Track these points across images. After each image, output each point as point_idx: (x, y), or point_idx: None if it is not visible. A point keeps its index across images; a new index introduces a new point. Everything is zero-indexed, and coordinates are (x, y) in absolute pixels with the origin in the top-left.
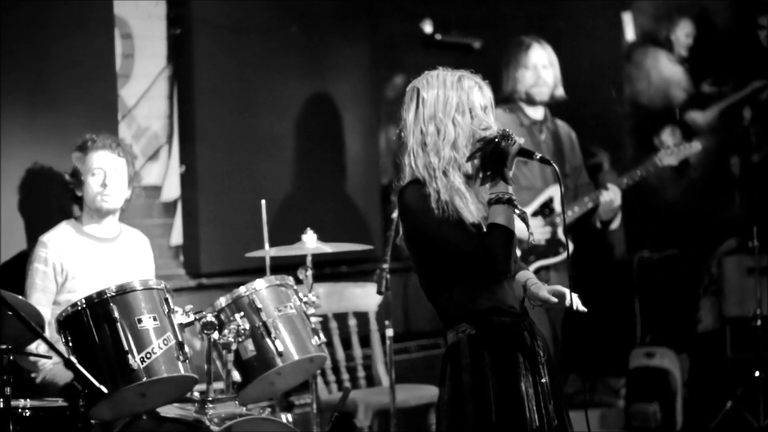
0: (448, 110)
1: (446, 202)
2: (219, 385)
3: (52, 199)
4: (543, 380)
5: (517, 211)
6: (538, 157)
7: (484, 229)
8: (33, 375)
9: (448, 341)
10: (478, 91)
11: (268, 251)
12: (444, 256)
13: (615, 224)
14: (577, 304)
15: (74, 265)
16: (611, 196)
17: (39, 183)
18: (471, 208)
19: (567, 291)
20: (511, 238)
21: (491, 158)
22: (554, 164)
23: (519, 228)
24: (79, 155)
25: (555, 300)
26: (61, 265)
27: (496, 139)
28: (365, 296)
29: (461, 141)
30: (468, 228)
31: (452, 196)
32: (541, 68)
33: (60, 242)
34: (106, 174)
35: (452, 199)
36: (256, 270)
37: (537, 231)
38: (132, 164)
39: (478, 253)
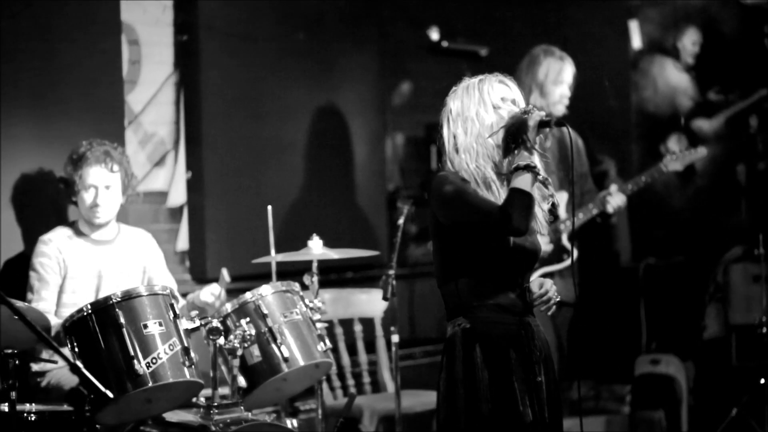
0: (472, 106)
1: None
2: (224, 390)
3: (57, 204)
4: (538, 379)
5: (539, 177)
6: (553, 122)
7: None
8: (38, 379)
9: (446, 334)
10: (499, 84)
11: (274, 257)
12: (462, 230)
13: (614, 218)
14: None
15: (73, 264)
16: (618, 200)
17: (44, 188)
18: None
19: (547, 281)
20: (530, 201)
21: (511, 129)
22: (567, 126)
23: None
24: (71, 169)
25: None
26: (63, 261)
27: (518, 113)
28: (371, 302)
29: (485, 131)
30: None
31: (483, 188)
32: (567, 86)
33: (60, 241)
34: (98, 191)
35: (483, 189)
36: (262, 276)
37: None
38: (126, 173)
39: (492, 213)
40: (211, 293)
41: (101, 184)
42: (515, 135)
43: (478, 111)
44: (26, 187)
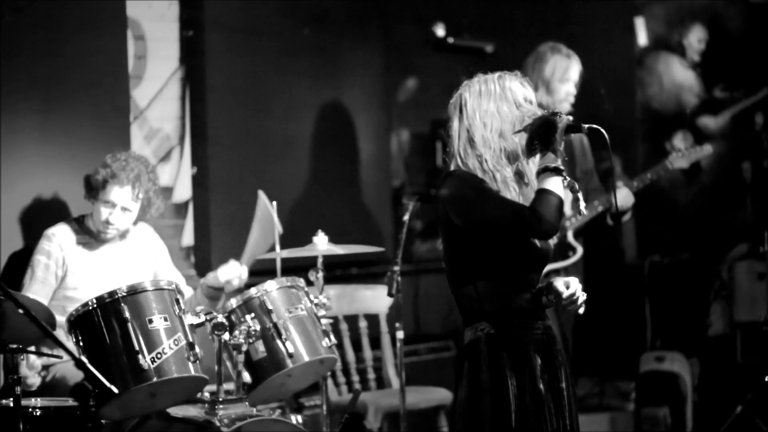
0: (493, 100)
1: (496, 190)
2: (229, 386)
3: (59, 198)
4: (561, 385)
5: (565, 181)
6: (586, 128)
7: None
8: (43, 374)
9: (465, 339)
10: (520, 85)
11: (279, 253)
12: (483, 232)
13: (626, 216)
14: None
15: (75, 260)
16: (623, 195)
17: (48, 182)
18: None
19: (572, 280)
20: (559, 202)
21: (540, 130)
22: (603, 129)
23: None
24: (100, 178)
25: (567, 291)
26: (63, 259)
27: (545, 114)
28: (376, 298)
29: (507, 127)
30: (513, 200)
31: (501, 187)
32: (573, 84)
33: (64, 236)
34: (114, 211)
35: (500, 190)
36: (267, 271)
37: None
38: (150, 201)
39: (524, 215)
40: (232, 272)
41: (120, 205)
42: (544, 136)
43: (500, 106)
44: (29, 181)
